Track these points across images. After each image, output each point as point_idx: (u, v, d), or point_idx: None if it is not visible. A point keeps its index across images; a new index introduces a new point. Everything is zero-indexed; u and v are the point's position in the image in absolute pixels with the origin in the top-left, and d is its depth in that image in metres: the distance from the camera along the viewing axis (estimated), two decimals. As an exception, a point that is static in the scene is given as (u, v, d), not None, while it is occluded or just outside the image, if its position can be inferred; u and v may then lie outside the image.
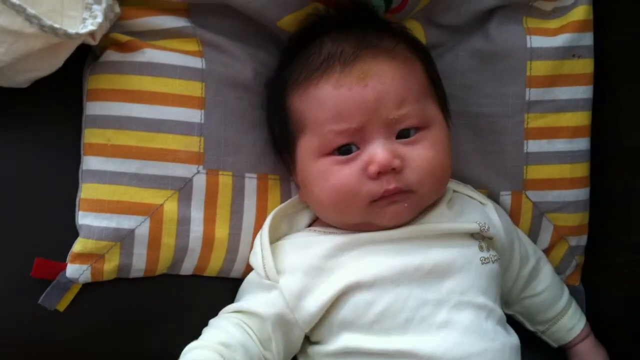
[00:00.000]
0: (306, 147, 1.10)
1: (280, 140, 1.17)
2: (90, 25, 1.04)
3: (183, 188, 1.13)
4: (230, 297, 1.15)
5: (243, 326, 1.05)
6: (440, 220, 1.11)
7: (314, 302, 1.05)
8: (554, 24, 1.23)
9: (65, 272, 1.09)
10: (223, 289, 1.18)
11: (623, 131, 1.24)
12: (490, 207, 1.19)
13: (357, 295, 1.05)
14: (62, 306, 1.10)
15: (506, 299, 1.22)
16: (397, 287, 1.04)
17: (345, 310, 1.05)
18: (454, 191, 1.18)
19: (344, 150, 1.07)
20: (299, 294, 1.06)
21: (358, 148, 1.06)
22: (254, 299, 1.09)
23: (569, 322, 1.25)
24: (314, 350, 1.09)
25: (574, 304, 1.27)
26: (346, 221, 1.10)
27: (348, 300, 1.05)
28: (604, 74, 1.24)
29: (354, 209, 1.07)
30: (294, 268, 1.07)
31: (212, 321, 1.08)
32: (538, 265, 1.24)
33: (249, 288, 1.12)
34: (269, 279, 1.08)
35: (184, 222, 1.13)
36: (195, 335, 1.05)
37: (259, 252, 1.10)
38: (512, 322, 1.20)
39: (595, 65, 1.23)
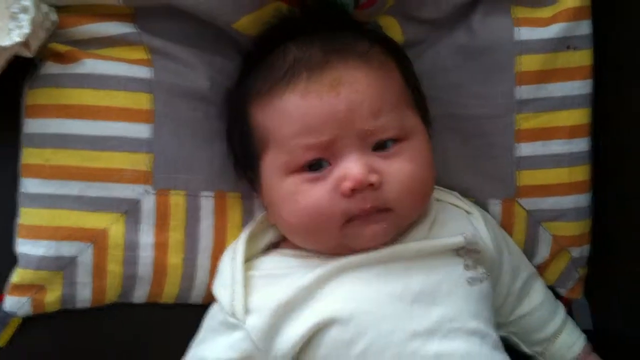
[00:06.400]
0: (272, 164, 0.99)
1: (241, 157, 1.07)
2: (16, 37, 0.96)
3: (130, 211, 1.05)
4: (191, 326, 1.04)
5: None
6: (421, 237, 1.01)
7: (286, 341, 0.95)
8: (545, 12, 1.12)
9: (2, 305, 1.03)
10: (183, 317, 1.09)
11: (629, 129, 1.13)
12: (477, 217, 1.08)
13: (333, 333, 0.93)
14: (1, 341, 1.04)
15: (497, 319, 1.10)
16: (379, 321, 0.93)
17: (324, 349, 0.94)
18: (437, 199, 1.07)
19: (314, 166, 0.96)
20: (270, 334, 0.95)
21: (329, 163, 0.96)
22: (214, 346, 0.99)
23: (569, 339, 1.13)
24: None
25: (570, 320, 1.16)
26: (319, 245, 0.99)
27: (324, 338, 0.94)
28: (606, 66, 1.13)
29: (327, 232, 0.96)
30: (263, 306, 0.96)
31: None
32: (530, 280, 1.13)
33: (212, 325, 1.02)
34: (235, 317, 0.97)
35: (131, 248, 1.05)
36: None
37: (229, 286, 1.00)
38: (507, 346, 1.09)
39: (595, 57, 1.12)
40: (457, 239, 1.00)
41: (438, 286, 0.96)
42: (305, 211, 0.95)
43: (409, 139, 0.98)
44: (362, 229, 0.95)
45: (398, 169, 0.95)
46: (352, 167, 0.93)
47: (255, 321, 0.95)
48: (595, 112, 1.13)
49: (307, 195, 0.95)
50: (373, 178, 0.93)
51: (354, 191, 0.92)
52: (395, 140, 0.97)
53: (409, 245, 0.99)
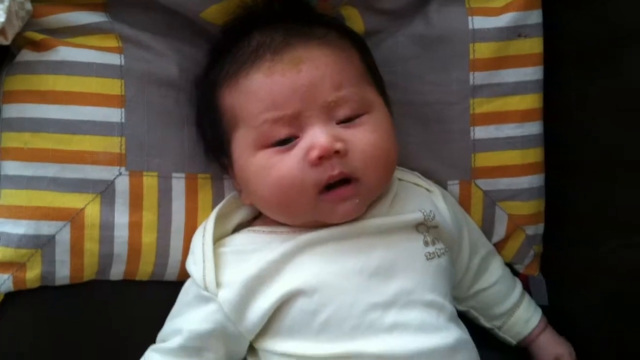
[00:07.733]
0: (242, 143, 1.04)
1: (212, 141, 1.11)
2: (-10, 27, 0.99)
3: (105, 191, 1.08)
4: (168, 301, 1.09)
5: None
6: (382, 213, 1.06)
7: (255, 312, 1.00)
8: (498, 2, 1.17)
9: (-16, 282, 1.06)
10: (159, 293, 1.14)
11: (585, 116, 1.17)
12: (437, 194, 1.14)
13: (299, 303, 0.99)
14: (-17, 317, 1.07)
15: (457, 294, 1.16)
16: (341, 293, 0.99)
17: (290, 319, 0.99)
18: (399, 179, 1.13)
19: (283, 142, 1.01)
20: (240, 306, 1.00)
21: (297, 137, 1.00)
22: (189, 318, 1.03)
23: (525, 313, 1.19)
24: (263, 352, 1.04)
25: (527, 296, 1.22)
26: (295, 219, 1.04)
27: (291, 307, 0.99)
28: (558, 55, 1.18)
29: (300, 205, 1.00)
30: (234, 280, 1.01)
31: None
32: (488, 257, 1.19)
33: (186, 299, 1.07)
34: (207, 291, 1.02)
35: (107, 227, 1.09)
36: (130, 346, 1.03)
37: (200, 262, 1.04)
38: (467, 321, 1.14)
39: (548, 46, 1.18)
40: (416, 215, 1.06)
41: (396, 261, 1.02)
42: (277, 182, 1.00)
43: (370, 112, 1.03)
44: (335, 206, 1.00)
45: (361, 138, 1.00)
46: (318, 137, 0.98)
47: (227, 294, 1.00)
48: (553, 98, 1.18)
49: (278, 168, 1.00)
50: (338, 145, 0.97)
51: (321, 159, 0.97)
52: (358, 114, 1.02)
53: (370, 222, 1.04)
